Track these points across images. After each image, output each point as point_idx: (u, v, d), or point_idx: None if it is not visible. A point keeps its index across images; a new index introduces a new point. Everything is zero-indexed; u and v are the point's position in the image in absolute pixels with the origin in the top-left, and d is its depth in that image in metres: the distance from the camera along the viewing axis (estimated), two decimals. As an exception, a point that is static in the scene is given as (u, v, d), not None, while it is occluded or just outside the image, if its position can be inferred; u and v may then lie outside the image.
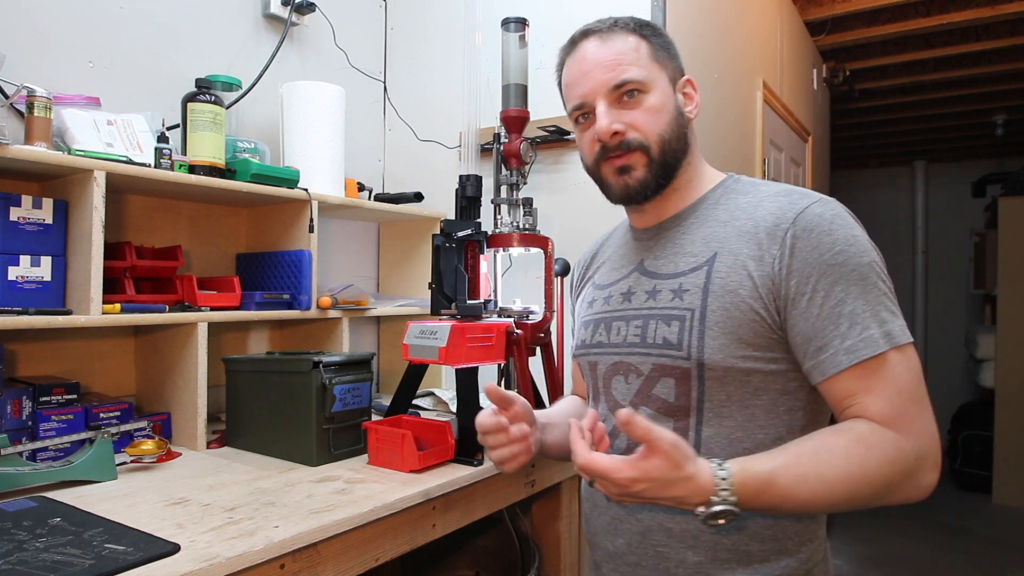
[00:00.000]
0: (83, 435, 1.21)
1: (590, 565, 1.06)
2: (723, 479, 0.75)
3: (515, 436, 0.94)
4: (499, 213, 1.51)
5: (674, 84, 0.96)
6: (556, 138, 1.83)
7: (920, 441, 0.78)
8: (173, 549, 0.86)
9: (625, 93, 0.92)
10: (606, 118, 0.92)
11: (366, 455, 1.34)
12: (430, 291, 1.42)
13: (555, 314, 1.47)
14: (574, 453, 0.79)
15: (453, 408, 1.66)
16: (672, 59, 0.97)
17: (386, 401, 1.54)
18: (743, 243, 0.87)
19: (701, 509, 0.75)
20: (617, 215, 1.10)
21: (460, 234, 1.39)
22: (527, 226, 1.49)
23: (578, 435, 0.81)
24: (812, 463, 0.77)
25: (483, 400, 1.58)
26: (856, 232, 0.83)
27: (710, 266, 0.88)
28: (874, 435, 0.78)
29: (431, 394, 1.80)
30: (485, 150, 1.72)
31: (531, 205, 1.50)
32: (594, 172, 0.98)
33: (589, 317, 1.03)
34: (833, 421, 0.87)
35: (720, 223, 0.92)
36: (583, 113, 0.96)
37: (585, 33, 0.96)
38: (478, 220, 1.46)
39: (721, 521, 0.75)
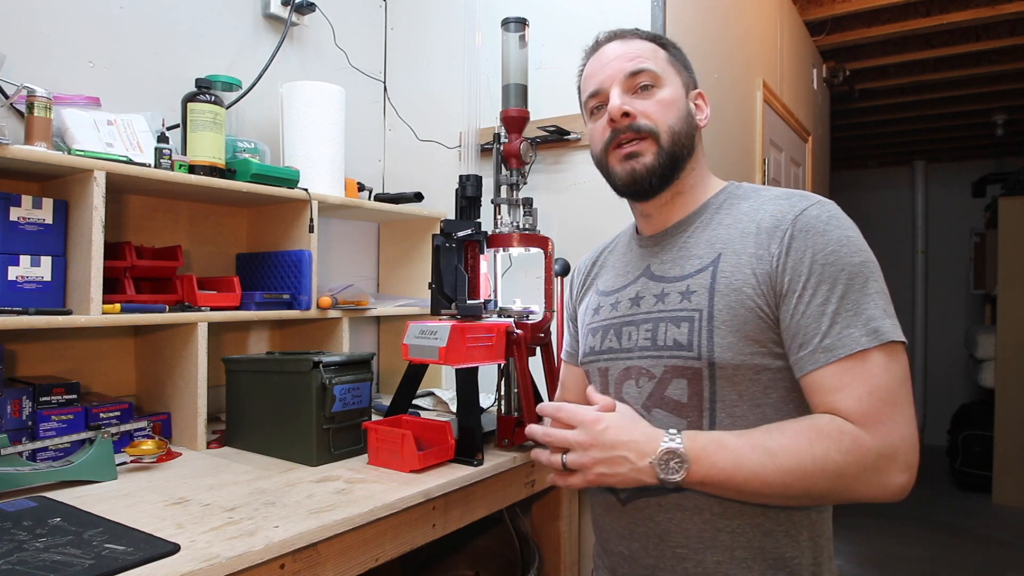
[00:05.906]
0: (83, 435, 1.21)
1: (599, 570, 1.05)
2: (674, 429, 0.83)
3: None
4: (499, 213, 1.51)
5: (687, 91, 1.00)
6: (556, 138, 1.83)
7: (887, 440, 0.77)
8: (173, 549, 0.86)
9: (640, 85, 0.95)
10: (618, 99, 0.95)
11: (366, 455, 1.34)
12: (430, 291, 1.42)
13: (555, 314, 1.47)
14: (541, 410, 0.91)
15: (453, 408, 1.66)
16: (686, 71, 1.02)
17: (386, 401, 1.54)
18: (746, 243, 0.89)
19: (651, 459, 0.81)
20: (617, 215, 1.10)
21: (460, 234, 1.39)
22: (527, 226, 1.49)
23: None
24: (762, 438, 0.81)
25: (484, 401, 1.59)
26: (850, 233, 0.85)
27: (715, 267, 0.90)
28: (831, 425, 0.79)
29: (431, 394, 1.80)
30: (485, 150, 1.72)
31: (531, 205, 1.50)
32: (602, 161, 1.00)
33: (596, 324, 1.03)
34: None
35: (724, 226, 0.94)
36: (597, 104, 0.99)
37: (609, 36, 1.01)
38: (478, 220, 1.46)
39: (675, 476, 0.80)
